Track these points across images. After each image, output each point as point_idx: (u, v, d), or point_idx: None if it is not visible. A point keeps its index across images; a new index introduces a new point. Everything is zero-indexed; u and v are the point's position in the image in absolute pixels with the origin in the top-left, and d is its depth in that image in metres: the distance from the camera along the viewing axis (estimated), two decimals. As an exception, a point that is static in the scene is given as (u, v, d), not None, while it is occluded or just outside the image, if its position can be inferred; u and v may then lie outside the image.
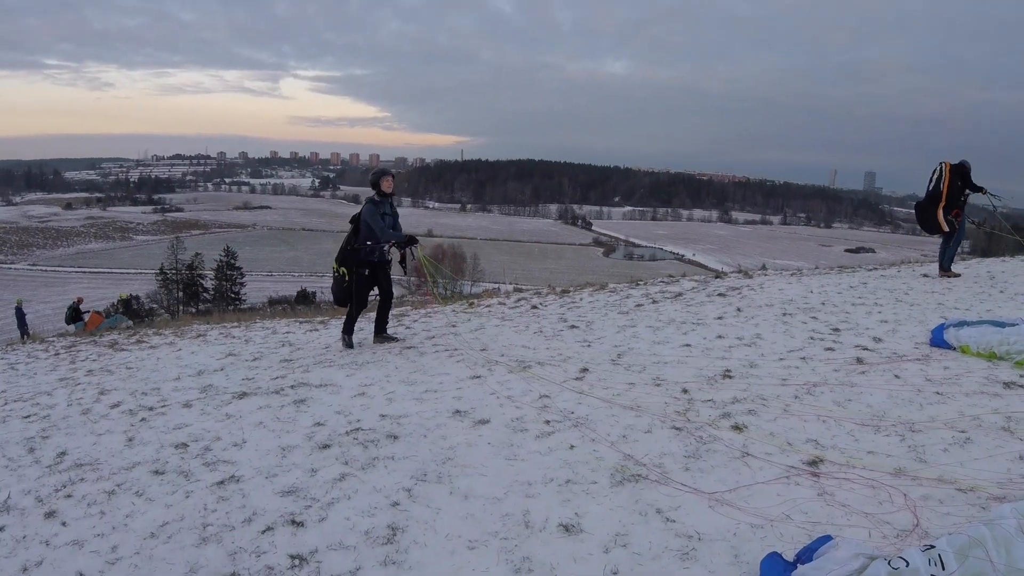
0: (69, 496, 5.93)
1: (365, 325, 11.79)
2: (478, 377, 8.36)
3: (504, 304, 14.66)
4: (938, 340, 8.62)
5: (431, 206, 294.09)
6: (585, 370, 8.29)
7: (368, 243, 10.10)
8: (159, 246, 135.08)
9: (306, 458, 6.22)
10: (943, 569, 3.45)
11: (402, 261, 10.66)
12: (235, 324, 15.89)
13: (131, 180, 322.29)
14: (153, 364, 11.46)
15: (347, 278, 10.30)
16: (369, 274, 10.38)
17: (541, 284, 20.68)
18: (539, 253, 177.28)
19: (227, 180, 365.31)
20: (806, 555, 3.92)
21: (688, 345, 9.36)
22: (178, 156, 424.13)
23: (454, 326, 12.19)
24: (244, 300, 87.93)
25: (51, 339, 16.31)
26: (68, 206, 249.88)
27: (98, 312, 30.78)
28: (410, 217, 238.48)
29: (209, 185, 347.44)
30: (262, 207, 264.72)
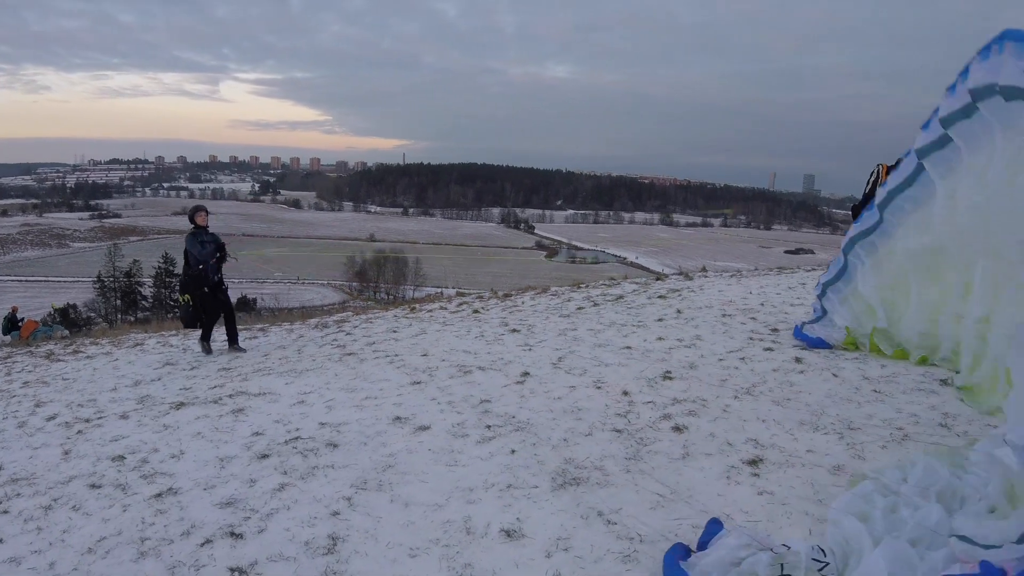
0: (5, 512, 5.76)
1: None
2: (419, 383, 8.32)
3: (446, 309, 14.63)
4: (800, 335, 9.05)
5: (373, 210, 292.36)
6: (526, 374, 8.29)
7: (200, 267, 11.38)
8: (96, 253, 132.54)
9: (244, 468, 6.12)
10: (824, 555, 3.54)
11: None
12: (173, 332, 15.66)
13: (68, 186, 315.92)
14: (90, 375, 11.21)
15: (192, 303, 11.51)
16: (209, 293, 11.52)
17: (484, 288, 20.70)
18: (482, 257, 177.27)
19: (165, 185, 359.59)
20: (703, 542, 4.05)
21: (629, 348, 9.41)
22: (116, 161, 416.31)
23: (395, 332, 12.13)
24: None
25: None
26: (3, 213, 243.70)
27: (34, 320, 30.03)
28: (351, 222, 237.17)
29: (147, 190, 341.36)
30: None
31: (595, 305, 13.26)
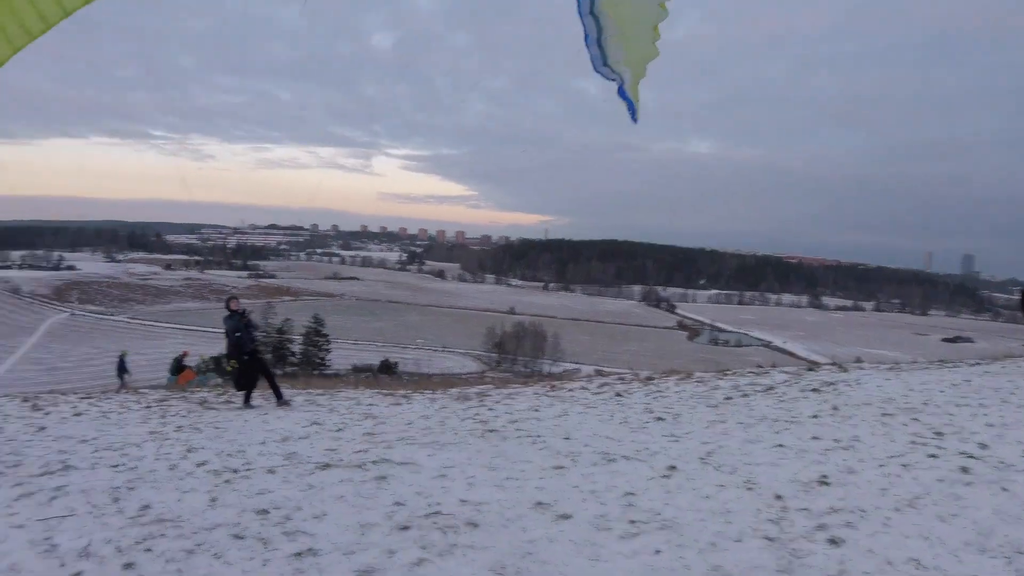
0: (149, 550, 5.90)
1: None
2: (561, 468, 8.15)
3: (587, 389, 14.45)
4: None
5: (514, 284, 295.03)
6: (673, 467, 8.01)
7: (237, 335, 13.86)
8: (252, 309, 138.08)
9: (384, 538, 6.09)
10: None
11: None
12: (320, 391, 16.03)
13: (228, 246, 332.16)
14: (240, 426, 11.61)
15: (236, 368, 14.01)
16: (248, 359, 13.93)
17: (623, 367, 20.40)
18: (621, 335, 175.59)
19: (319, 251, 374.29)
20: None
21: (781, 446, 8.99)
22: (273, 226, 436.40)
23: (537, 411, 12.03)
24: (329, 366, 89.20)
25: (144, 391, 16.59)
26: (168, 267, 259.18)
27: (191, 368, 31.37)
28: (493, 294, 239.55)
29: (302, 255, 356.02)
30: (351, 278, 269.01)
31: (744, 396, 12.83)
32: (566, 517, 6.48)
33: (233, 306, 14.21)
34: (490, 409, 12.41)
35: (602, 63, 9.46)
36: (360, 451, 9.33)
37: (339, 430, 10.96)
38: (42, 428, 11.71)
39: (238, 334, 13.80)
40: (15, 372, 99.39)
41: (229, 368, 14.33)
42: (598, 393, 13.90)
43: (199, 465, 8.79)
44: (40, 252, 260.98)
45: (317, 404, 13.80)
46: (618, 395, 13.53)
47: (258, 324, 14.67)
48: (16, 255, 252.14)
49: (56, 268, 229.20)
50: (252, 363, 13.96)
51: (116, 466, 8.85)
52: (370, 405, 13.44)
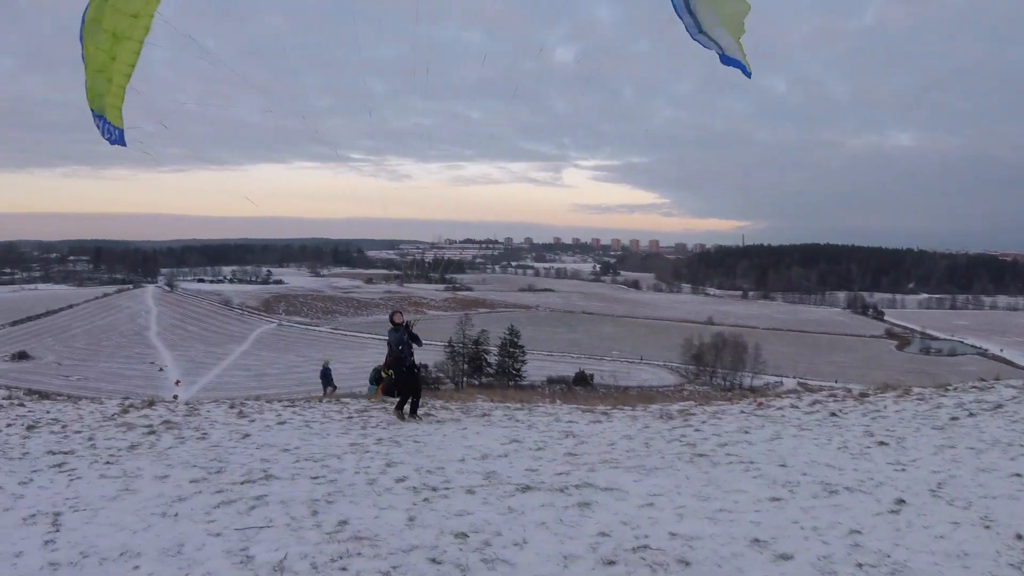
0: (344, 569, 5.88)
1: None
2: (778, 500, 7.64)
3: (798, 408, 13.76)
4: None
5: (711, 293, 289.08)
6: (901, 501, 7.36)
7: (399, 348, 14.46)
8: (449, 321, 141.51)
9: (589, 572, 5.85)
10: None
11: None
12: (518, 406, 15.98)
13: (426, 260, 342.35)
14: (439, 441, 11.66)
15: (392, 378, 14.70)
16: (405, 372, 14.44)
17: (828, 379, 19.39)
18: (826, 345, 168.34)
19: (513, 263, 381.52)
20: None
21: (1019, 475, 8.18)
22: (469, 240, 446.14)
23: (747, 432, 11.49)
24: (524, 377, 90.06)
25: (346, 401, 17.06)
26: (369, 280, 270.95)
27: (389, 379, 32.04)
28: (689, 304, 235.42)
29: (497, 268, 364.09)
30: (545, 290, 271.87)
31: (971, 415, 11.86)
32: (786, 558, 6.03)
33: (397, 320, 14.92)
34: (696, 430, 11.97)
35: (697, 31, 9.80)
36: (561, 473, 9.12)
37: (539, 449, 10.80)
38: (246, 435, 12.18)
39: (400, 347, 14.46)
40: (225, 377, 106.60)
41: (386, 376, 15.02)
42: (810, 412, 13.21)
43: (398, 481, 8.82)
44: (250, 267, 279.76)
45: (516, 420, 13.73)
46: (833, 415, 12.80)
47: (419, 338, 14.96)
48: (228, 270, 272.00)
49: (265, 282, 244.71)
50: (409, 376, 14.52)
51: (316, 478, 9.02)
52: (570, 422, 13.24)
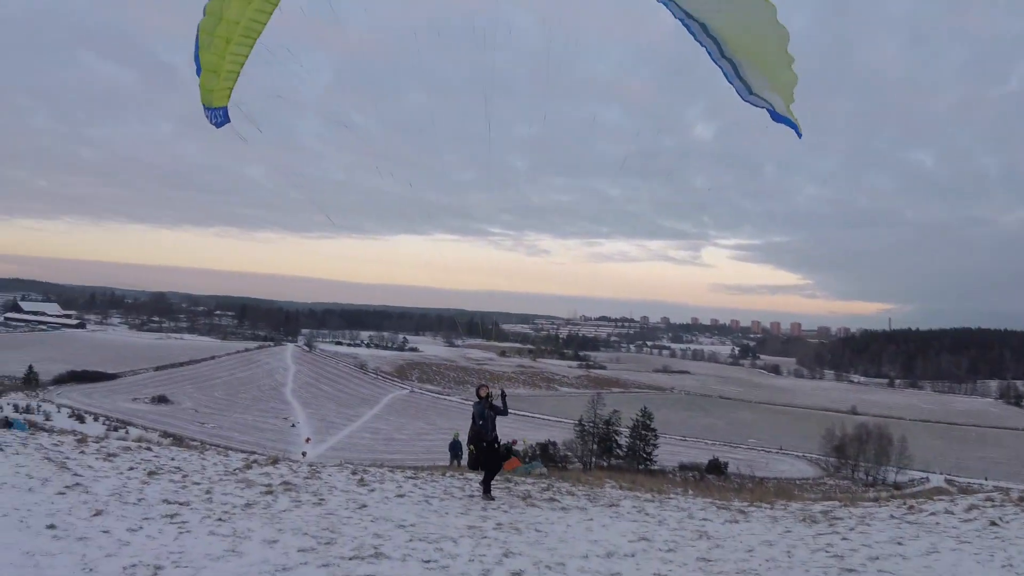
0: None
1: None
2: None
3: (952, 513, 12.48)
4: None
5: (855, 380, 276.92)
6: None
7: (480, 423, 14.30)
8: (579, 399, 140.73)
9: None
10: None
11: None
12: (648, 496, 15.09)
13: (560, 336, 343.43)
14: (562, 532, 10.90)
15: (475, 453, 14.31)
16: (487, 447, 14.20)
17: (976, 475, 17.80)
18: (976, 438, 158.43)
19: (649, 343, 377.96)
20: None
21: None
22: (604, 318, 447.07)
23: (900, 544, 10.31)
24: (655, 461, 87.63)
25: (470, 477, 16.57)
26: (503, 353, 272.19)
27: (517, 455, 31.53)
28: (832, 391, 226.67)
29: (631, 347, 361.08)
30: (681, 371, 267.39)
31: None
32: None
33: (482, 393, 14.87)
34: (843, 538, 10.81)
35: (748, 92, 10.39)
36: None
37: (669, 551, 9.90)
38: (363, 506, 11.82)
39: (481, 421, 14.33)
40: (354, 438, 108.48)
41: (470, 450, 14.71)
42: (967, 519, 11.92)
43: (513, 575, 8.23)
44: (387, 333, 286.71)
45: (645, 513, 12.86)
46: (993, 524, 11.48)
47: (505, 411, 14.98)
48: (365, 335, 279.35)
49: (400, 349, 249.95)
50: (489, 451, 14.34)
51: (428, 562, 8.55)
52: (704, 520, 12.27)
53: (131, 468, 13.24)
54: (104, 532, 8.81)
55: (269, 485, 12.82)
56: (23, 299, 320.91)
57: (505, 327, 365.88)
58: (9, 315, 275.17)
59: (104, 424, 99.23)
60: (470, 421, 14.49)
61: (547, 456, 70.21)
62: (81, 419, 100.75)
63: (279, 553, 8.40)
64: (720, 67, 10.34)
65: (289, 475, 14.17)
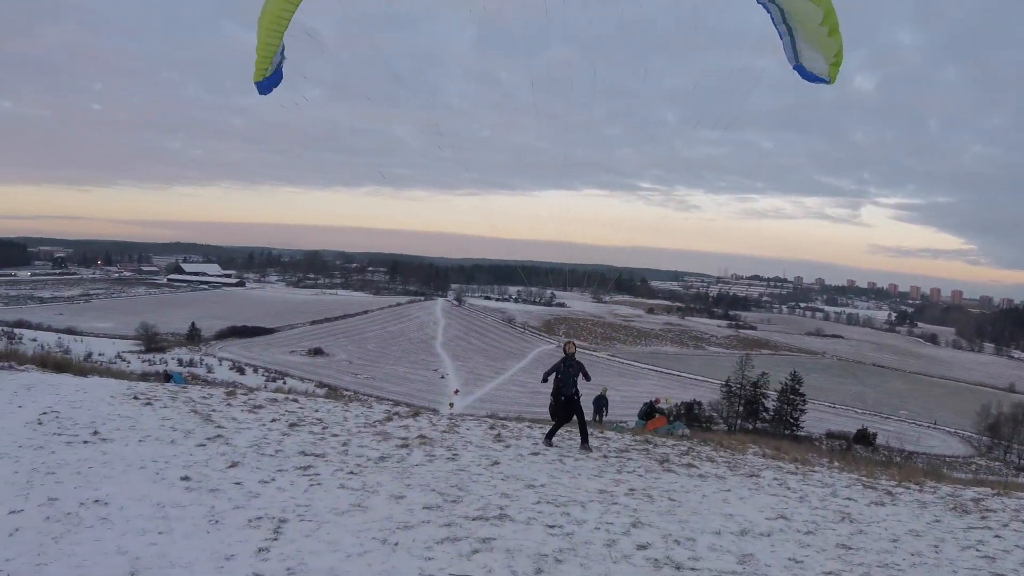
0: None
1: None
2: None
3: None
4: None
5: (1016, 356, 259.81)
6: None
7: (558, 377, 14.69)
8: (728, 359, 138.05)
9: None
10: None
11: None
12: (791, 468, 14.37)
13: (710, 295, 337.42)
14: (697, 502, 10.44)
15: (553, 402, 14.78)
16: (564, 402, 14.55)
17: None
18: None
19: (802, 305, 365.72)
20: None
21: None
22: (756, 277, 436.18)
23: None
24: (802, 427, 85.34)
25: (608, 436, 16.32)
26: (650, 311, 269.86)
27: (663, 414, 31.13)
28: (991, 366, 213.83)
29: (784, 308, 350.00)
30: (834, 336, 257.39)
31: None
32: None
33: (568, 350, 15.01)
34: (996, 535, 9.89)
35: (796, 61, 11.08)
36: (831, 573, 7.67)
37: (808, 532, 9.25)
38: (495, 463, 11.74)
39: (560, 376, 14.65)
40: (501, 391, 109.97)
41: (553, 401, 15.02)
42: None
43: (639, 548, 7.82)
44: (534, 289, 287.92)
45: (787, 487, 12.20)
46: None
47: (586, 371, 14.94)
48: (513, 290, 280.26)
49: (548, 304, 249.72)
50: (567, 404, 14.60)
51: (552, 527, 8.30)
52: (847, 500, 11.48)
53: (274, 420, 13.63)
54: (236, 484, 9.04)
55: (405, 439, 12.93)
56: (185, 261, 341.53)
57: (653, 284, 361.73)
58: (172, 276, 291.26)
59: (263, 375, 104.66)
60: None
61: (692, 416, 69.33)
62: (241, 371, 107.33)
63: (404, 510, 8.38)
64: (778, 31, 10.89)
65: (427, 428, 14.31)
